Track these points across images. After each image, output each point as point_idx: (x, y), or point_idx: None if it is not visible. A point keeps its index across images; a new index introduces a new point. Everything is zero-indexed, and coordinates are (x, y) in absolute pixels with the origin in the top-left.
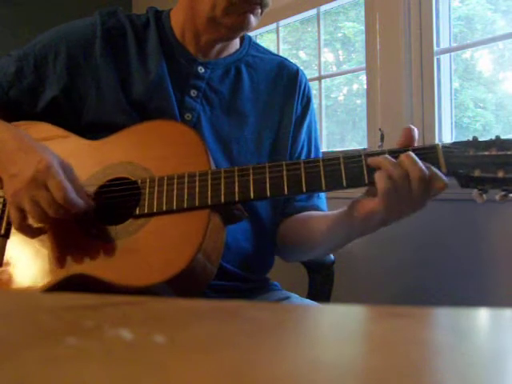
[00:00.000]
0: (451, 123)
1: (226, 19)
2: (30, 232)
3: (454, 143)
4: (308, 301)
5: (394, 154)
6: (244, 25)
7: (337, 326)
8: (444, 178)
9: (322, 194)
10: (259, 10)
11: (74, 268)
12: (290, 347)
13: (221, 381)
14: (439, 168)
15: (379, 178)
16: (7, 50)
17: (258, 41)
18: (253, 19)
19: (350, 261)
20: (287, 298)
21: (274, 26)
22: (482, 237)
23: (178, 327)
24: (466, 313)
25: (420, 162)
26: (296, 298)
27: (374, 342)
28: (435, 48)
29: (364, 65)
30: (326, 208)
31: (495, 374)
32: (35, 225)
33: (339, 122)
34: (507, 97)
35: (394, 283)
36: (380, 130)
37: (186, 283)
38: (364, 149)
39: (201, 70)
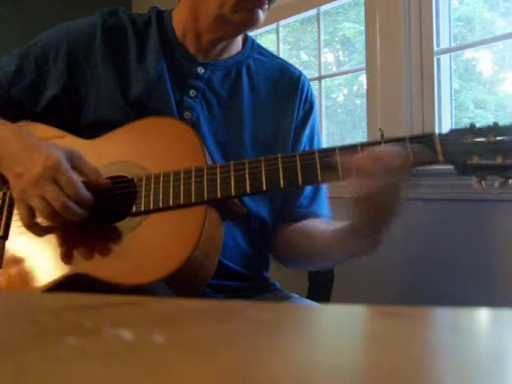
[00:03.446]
0: (451, 124)
1: (235, 16)
2: (39, 230)
3: (452, 130)
4: (308, 301)
5: (390, 143)
6: (253, 21)
7: (337, 326)
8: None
9: (324, 201)
10: (267, 6)
11: (72, 267)
12: (290, 347)
13: (221, 381)
14: (436, 156)
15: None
16: (9, 49)
17: (258, 41)
18: (261, 15)
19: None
20: (287, 298)
21: (274, 26)
22: (483, 237)
23: (178, 327)
24: (466, 313)
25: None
26: (296, 298)
27: (374, 342)
28: (435, 48)
29: (364, 65)
30: (328, 213)
31: (495, 374)
32: (44, 223)
33: (339, 123)
34: (507, 97)
35: (394, 283)
36: (380, 129)
37: (185, 281)
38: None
39: (200, 70)
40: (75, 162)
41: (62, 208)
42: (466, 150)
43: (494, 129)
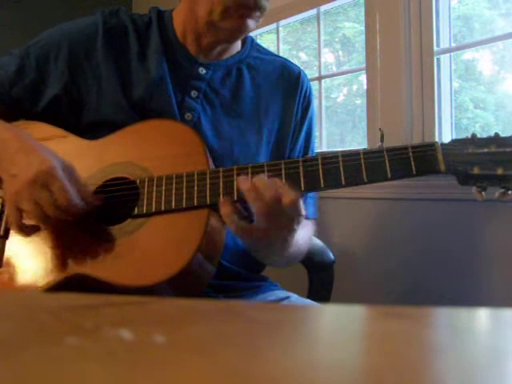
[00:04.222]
0: (451, 124)
1: (224, 23)
2: (27, 232)
3: (453, 141)
4: (308, 301)
5: (392, 152)
6: (242, 28)
7: (337, 326)
8: (292, 194)
9: (308, 199)
10: (258, 13)
11: (73, 268)
12: (290, 347)
13: (221, 381)
14: (438, 165)
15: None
16: (9, 49)
17: (258, 41)
18: (251, 23)
19: (350, 261)
20: (287, 297)
21: (274, 26)
22: (482, 237)
23: (178, 327)
24: (466, 313)
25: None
26: (296, 298)
27: (373, 342)
28: (435, 48)
29: (364, 65)
30: (312, 212)
31: (495, 374)
32: (32, 224)
33: (339, 123)
34: (507, 97)
35: (394, 283)
36: (380, 129)
37: (186, 283)
38: (364, 149)
39: (202, 71)
40: (69, 175)
41: (54, 214)
42: (467, 160)
43: (495, 140)
